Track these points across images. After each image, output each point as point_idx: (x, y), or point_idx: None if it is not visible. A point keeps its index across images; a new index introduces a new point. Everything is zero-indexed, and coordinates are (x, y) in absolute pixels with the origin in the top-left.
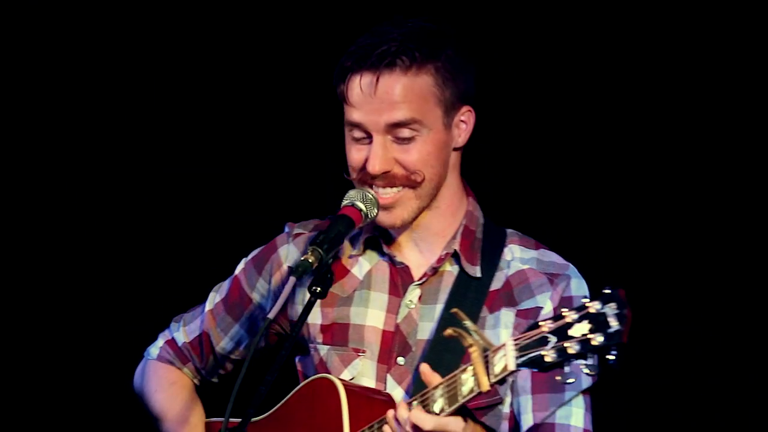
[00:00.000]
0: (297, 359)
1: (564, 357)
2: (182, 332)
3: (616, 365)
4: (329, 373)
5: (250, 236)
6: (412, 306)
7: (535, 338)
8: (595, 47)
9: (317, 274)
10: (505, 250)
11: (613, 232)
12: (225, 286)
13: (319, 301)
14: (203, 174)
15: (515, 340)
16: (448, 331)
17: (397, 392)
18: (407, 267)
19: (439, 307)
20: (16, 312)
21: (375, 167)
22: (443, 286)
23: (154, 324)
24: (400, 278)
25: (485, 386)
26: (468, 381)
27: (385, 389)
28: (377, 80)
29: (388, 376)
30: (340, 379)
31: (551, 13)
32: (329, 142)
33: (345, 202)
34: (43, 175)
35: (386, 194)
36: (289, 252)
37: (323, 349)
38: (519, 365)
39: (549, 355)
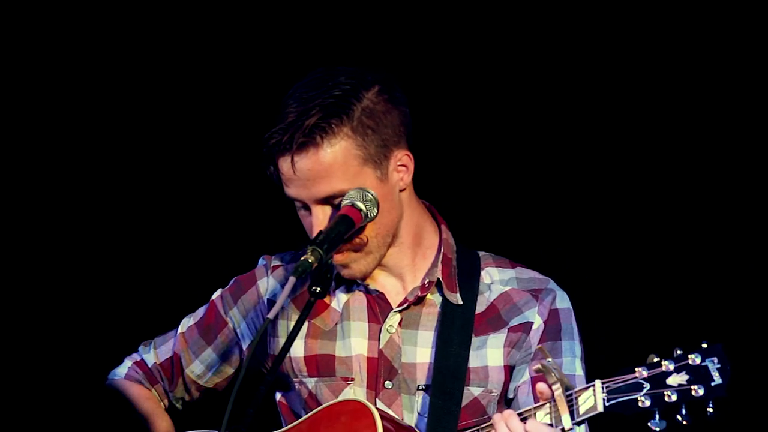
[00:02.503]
0: (279, 396)
1: (659, 404)
2: (153, 354)
3: (713, 418)
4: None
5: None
6: (393, 331)
7: (627, 383)
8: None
9: (315, 275)
10: (482, 273)
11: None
12: (200, 311)
13: (302, 332)
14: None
15: (604, 382)
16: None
17: None
18: (383, 294)
19: (426, 334)
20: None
21: None
22: (425, 313)
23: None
24: (377, 306)
25: (567, 424)
26: (544, 419)
27: None
28: (293, 162)
29: (378, 401)
30: (374, 406)
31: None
32: None
33: (345, 202)
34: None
35: (337, 256)
36: (268, 285)
37: (310, 382)
38: (608, 408)
39: (643, 400)
